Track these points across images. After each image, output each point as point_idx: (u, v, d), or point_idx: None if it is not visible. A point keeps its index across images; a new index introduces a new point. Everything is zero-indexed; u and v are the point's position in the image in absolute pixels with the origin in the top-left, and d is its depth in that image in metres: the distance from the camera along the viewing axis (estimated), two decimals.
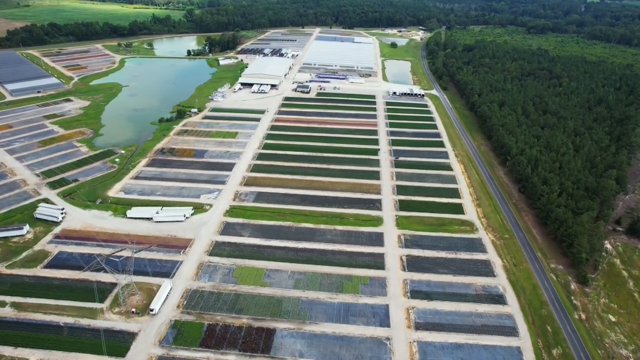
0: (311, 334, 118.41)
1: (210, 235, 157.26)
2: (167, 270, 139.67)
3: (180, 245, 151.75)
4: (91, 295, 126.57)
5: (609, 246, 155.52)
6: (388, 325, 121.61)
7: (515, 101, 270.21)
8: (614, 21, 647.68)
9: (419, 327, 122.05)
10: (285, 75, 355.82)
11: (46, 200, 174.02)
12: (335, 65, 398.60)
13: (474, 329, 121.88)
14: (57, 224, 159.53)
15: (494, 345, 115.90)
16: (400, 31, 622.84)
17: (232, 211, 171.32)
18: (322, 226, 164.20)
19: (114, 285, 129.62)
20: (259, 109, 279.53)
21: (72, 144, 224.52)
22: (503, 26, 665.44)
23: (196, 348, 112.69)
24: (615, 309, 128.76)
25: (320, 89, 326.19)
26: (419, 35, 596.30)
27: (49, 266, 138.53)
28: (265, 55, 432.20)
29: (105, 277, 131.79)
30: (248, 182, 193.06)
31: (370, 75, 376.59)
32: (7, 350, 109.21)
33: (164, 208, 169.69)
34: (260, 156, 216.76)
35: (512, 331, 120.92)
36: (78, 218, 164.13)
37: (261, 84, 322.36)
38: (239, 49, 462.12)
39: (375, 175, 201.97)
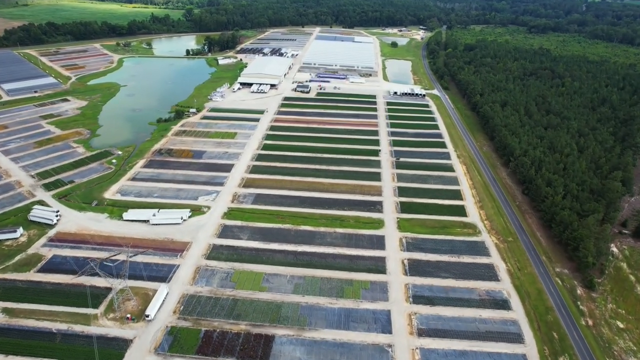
0: (311, 341, 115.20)
1: (208, 238, 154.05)
2: (163, 274, 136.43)
3: (177, 248, 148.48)
4: (85, 301, 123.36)
5: (615, 250, 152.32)
6: (390, 332, 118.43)
7: (518, 101, 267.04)
8: (616, 20, 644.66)
9: (421, 333, 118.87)
10: (285, 75, 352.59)
11: (41, 203, 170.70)
12: (336, 65, 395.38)
13: (478, 335, 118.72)
14: (51, 226, 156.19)
15: (499, 353, 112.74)
16: (400, 30, 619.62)
17: (230, 213, 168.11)
18: (322, 229, 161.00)
19: (108, 290, 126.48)
20: (258, 109, 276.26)
21: (68, 145, 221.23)
22: (504, 26, 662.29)
23: (192, 356, 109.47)
24: (623, 315, 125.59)
25: (320, 88, 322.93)
26: (419, 34, 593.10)
27: (42, 270, 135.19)
28: (264, 54, 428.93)
29: (100, 282, 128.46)
30: (247, 183, 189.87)
31: (370, 75, 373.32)
32: None
33: (161, 210, 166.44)
34: (259, 157, 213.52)
35: (517, 338, 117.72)
36: (73, 221, 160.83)
37: (260, 84, 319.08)
38: (238, 48, 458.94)
39: (376, 177, 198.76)
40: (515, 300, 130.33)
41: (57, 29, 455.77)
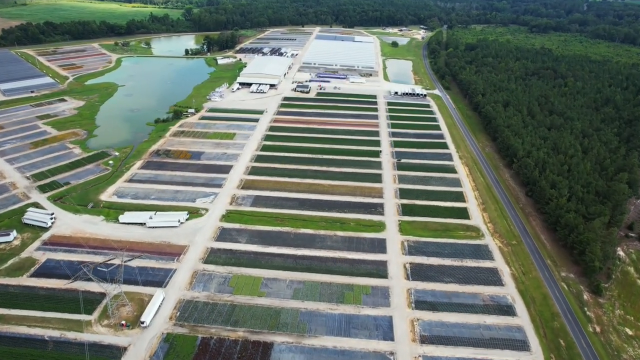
0: (310, 348, 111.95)
1: (206, 241, 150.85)
2: (159, 279, 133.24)
3: (174, 252, 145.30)
4: (79, 307, 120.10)
5: (622, 253, 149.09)
6: (392, 339, 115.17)
7: (520, 101, 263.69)
8: (617, 20, 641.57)
9: (424, 340, 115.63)
10: (285, 74, 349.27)
11: (36, 205, 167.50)
12: (336, 65, 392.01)
13: (482, 342, 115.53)
14: (46, 229, 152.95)
15: None
16: (401, 30, 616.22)
17: (228, 216, 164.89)
18: (322, 232, 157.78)
19: (103, 295, 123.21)
20: (257, 109, 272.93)
21: (64, 146, 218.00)
22: (505, 25, 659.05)
23: None
24: (632, 322, 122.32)
25: (320, 88, 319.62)
26: (420, 34, 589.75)
27: (35, 275, 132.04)
28: (264, 54, 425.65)
29: (94, 287, 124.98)
30: (245, 185, 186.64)
31: (371, 74, 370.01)
32: None
33: (157, 213, 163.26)
34: (259, 158, 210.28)
35: (523, 345, 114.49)
36: (68, 223, 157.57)
37: (260, 84, 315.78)
38: (237, 48, 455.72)
39: (377, 178, 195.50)
40: (520, 306, 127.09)
41: (55, 29, 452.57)
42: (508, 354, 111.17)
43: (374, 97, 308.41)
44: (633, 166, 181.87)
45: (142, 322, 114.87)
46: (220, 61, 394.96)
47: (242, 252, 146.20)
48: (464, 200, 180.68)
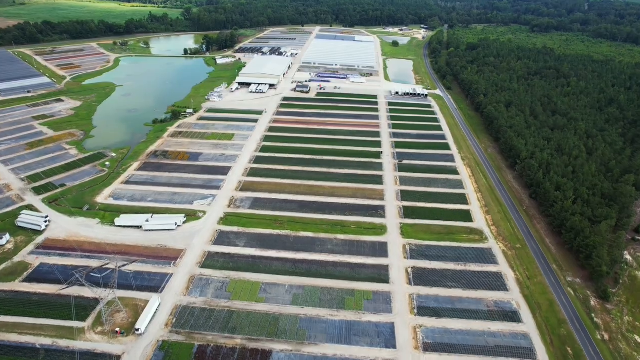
0: (310, 356, 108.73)
1: (203, 245, 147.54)
2: (155, 284, 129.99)
3: (171, 256, 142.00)
4: (72, 313, 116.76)
5: (629, 257, 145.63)
6: (394, 347, 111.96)
7: (523, 101, 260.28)
8: (619, 19, 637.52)
9: (427, 348, 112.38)
10: (284, 74, 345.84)
11: (30, 207, 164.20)
12: (336, 64, 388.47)
13: (487, 350, 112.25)
14: (40, 233, 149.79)
15: None
16: (401, 30, 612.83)
17: (226, 219, 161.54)
18: (322, 235, 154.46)
19: (97, 301, 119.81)
20: (256, 109, 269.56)
21: (61, 147, 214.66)
22: (506, 25, 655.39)
23: None
24: None
25: (321, 88, 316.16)
26: (420, 33, 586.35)
27: (28, 280, 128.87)
28: (263, 54, 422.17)
29: (89, 292, 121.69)
30: (244, 187, 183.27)
31: (371, 74, 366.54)
32: None
33: (154, 216, 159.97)
34: (258, 159, 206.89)
35: (529, 353, 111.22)
36: (63, 226, 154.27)
37: (259, 84, 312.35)
38: (237, 47, 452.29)
39: (378, 180, 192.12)
40: (525, 312, 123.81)
41: (54, 28, 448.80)
42: None
43: (375, 97, 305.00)
44: (639, 168, 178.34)
45: (137, 330, 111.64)
46: (219, 61, 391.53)
47: (240, 256, 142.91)
48: (466, 203, 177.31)
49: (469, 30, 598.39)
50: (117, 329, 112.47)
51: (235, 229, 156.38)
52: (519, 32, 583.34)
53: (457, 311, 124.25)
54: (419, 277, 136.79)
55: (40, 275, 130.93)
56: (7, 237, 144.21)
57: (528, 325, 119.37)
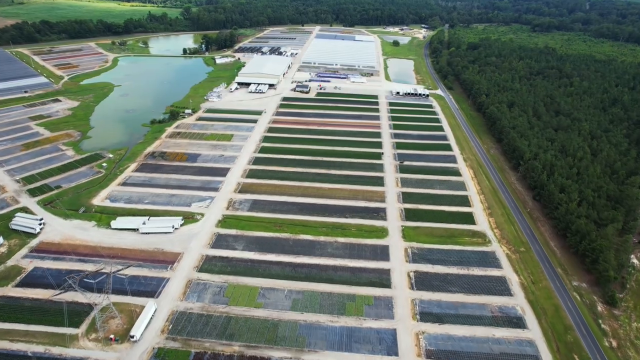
0: None
1: (201, 248, 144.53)
2: (152, 288, 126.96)
3: (168, 260, 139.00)
4: (65, 320, 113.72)
5: (636, 261, 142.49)
6: (396, 354, 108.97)
7: (525, 102, 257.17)
8: (621, 19, 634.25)
9: (430, 355, 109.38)
10: (284, 74, 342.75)
11: (25, 210, 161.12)
12: (336, 64, 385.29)
13: (491, 357, 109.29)
14: (34, 236, 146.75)
15: None
16: (402, 29, 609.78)
17: (225, 221, 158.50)
18: (322, 238, 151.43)
19: (92, 307, 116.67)
20: (256, 109, 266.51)
21: (57, 147, 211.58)
22: (507, 24, 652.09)
23: None
24: None
25: (321, 88, 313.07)
26: (421, 33, 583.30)
27: (21, 284, 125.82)
28: (263, 53, 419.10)
29: (83, 298, 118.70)
30: (243, 188, 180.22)
31: (372, 74, 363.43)
32: None
33: (151, 218, 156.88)
34: (257, 160, 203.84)
35: None
36: (58, 229, 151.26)
37: (259, 84, 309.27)
38: (236, 47, 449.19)
39: (379, 182, 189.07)
40: (530, 318, 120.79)
41: (52, 28, 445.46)
42: None
43: (375, 97, 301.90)
44: None
45: (132, 336, 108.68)
46: (219, 60, 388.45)
47: (238, 259, 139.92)
48: (469, 205, 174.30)
49: (470, 29, 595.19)
50: (112, 336, 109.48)
51: (233, 231, 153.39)
52: (520, 31, 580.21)
53: (460, 317, 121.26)
54: (421, 281, 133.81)
55: (34, 279, 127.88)
56: (0, 240, 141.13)
57: (533, 331, 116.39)
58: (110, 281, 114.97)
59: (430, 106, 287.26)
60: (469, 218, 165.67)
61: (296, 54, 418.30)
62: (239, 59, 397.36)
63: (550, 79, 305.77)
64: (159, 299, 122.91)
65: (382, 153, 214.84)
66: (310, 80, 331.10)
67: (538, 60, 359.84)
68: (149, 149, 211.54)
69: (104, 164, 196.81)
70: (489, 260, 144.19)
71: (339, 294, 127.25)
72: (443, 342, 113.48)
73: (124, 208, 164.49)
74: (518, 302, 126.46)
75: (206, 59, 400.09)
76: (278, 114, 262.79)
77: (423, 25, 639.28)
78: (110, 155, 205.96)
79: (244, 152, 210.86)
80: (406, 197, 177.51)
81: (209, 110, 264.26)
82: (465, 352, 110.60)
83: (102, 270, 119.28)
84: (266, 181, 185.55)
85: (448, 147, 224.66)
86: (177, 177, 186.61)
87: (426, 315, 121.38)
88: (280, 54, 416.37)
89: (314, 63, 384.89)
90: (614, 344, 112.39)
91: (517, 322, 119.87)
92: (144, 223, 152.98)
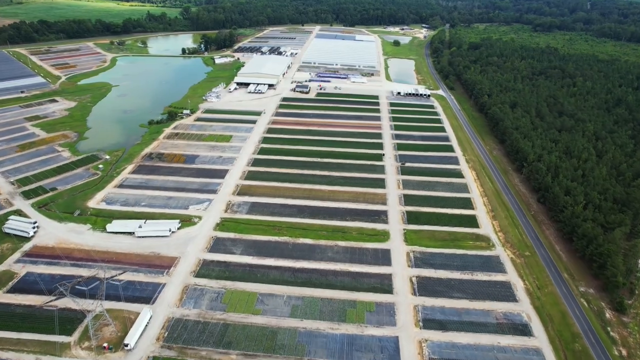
0: None
1: (198, 252, 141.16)
2: (147, 294, 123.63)
3: (164, 264, 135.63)
4: (59, 327, 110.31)
5: None
6: None
7: (528, 102, 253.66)
8: (622, 19, 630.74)
9: None
10: (284, 74, 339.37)
11: (18, 212, 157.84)
12: (336, 64, 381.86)
13: None
14: (27, 239, 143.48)
15: None
16: (402, 29, 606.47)
17: (223, 224, 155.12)
18: (322, 242, 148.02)
19: (85, 313, 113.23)
20: (255, 110, 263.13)
21: (53, 149, 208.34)
22: (508, 24, 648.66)
23: None
24: None
25: (321, 88, 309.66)
26: (422, 33, 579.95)
27: (13, 290, 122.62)
28: (262, 53, 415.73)
29: (75, 304, 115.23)
30: (242, 191, 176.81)
31: (372, 74, 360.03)
32: None
33: (147, 221, 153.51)
34: (256, 162, 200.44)
35: None
36: (52, 233, 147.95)
37: (258, 84, 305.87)
38: (235, 47, 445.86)
39: (380, 184, 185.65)
40: (536, 325, 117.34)
41: (50, 27, 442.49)
42: None
43: (376, 97, 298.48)
44: None
45: (126, 345, 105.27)
46: (218, 60, 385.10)
47: (236, 264, 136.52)
48: (472, 207, 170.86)
49: (471, 29, 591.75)
50: (105, 344, 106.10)
51: (231, 235, 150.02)
52: (521, 31, 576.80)
53: (464, 324, 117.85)
54: (423, 286, 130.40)
55: (26, 285, 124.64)
56: None
57: (540, 339, 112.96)
58: (104, 288, 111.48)
59: (432, 107, 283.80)
60: (472, 221, 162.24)
61: (296, 53, 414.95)
62: (238, 59, 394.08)
63: (552, 79, 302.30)
64: (155, 305, 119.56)
65: (383, 154, 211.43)
66: (310, 81, 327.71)
67: (540, 60, 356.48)
68: (147, 150, 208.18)
69: (101, 166, 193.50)
70: (493, 264, 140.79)
71: (340, 300, 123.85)
72: (447, 350, 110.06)
73: (120, 211, 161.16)
74: (523, 308, 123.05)
75: (205, 59, 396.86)
76: (277, 114, 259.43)
77: (424, 25, 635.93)
78: (107, 157, 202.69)
79: (243, 154, 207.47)
80: (408, 200, 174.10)
81: (207, 111, 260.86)
82: None
83: (96, 276, 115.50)
84: (265, 183, 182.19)
85: (450, 149, 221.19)
86: (174, 179, 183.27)
87: (429, 322, 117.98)
88: (280, 53, 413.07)
89: (314, 63, 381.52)
90: (624, 352, 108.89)
91: (522, 329, 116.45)
92: (140, 226, 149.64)
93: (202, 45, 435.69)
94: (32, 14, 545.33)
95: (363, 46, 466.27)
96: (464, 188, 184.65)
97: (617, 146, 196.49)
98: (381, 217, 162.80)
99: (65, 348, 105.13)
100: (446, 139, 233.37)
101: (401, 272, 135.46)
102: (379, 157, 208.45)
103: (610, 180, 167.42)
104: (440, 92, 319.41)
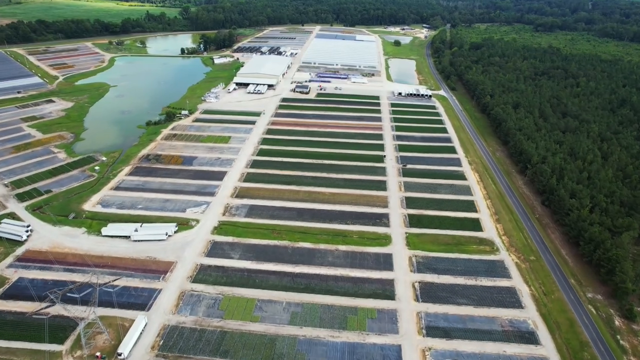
0: None
1: (195, 257, 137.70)
2: (143, 300, 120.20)
3: (160, 269, 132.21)
4: (51, 335, 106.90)
5: None
6: None
7: (531, 103, 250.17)
8: (624, 18, 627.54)
9: None
10: (284, 74, 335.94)
11: (12, 215, 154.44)
12: (337, 64, 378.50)
13: None
14: (20, 243, 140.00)
15: None
16: (403, 29, 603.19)
17: (221, 228, 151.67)
18: (323, 246, 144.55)
19: (79, 321, 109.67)
20: (254, 111, 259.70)
21: (49, 150, 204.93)
22: (509, 24, 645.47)
23: None
24: None
25: (321, 89, 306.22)
26: (423, 33, 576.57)
27: (4, 296, 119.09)
28: (262, 53, 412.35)
29: (69, 310, 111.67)
30: (240, 193, 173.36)
31: (373, 74, 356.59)
32: None
33: (144, 225, 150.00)
34: (255, 164, 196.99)
35: None
36: (46, 236, 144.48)
37: (257, 84, 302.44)
38: (235, 47, 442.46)
39: (382, 186, 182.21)
40: (543, 333, 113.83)
41: (48, 27, 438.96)
42: None
43: (377, 97, 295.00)
44: None
45: (120, 354, 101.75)
46: (217, 61, 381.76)
47: (234, 269, 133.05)
48: (475, 210, 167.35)
49: (472, 29, 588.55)
50: (98, 354, 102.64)
51: (229, 239, 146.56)
52: (522, 31, 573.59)
53: (468, 331, 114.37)
54: (426, 292, 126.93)
55: (18, 291, 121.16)
56: None
57: (547, 348, 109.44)
58: (97, 295, 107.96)
59: (433, 107, 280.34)
60: (475, 224, 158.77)
61: (296, 54, 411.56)
62: (237, 59, 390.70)
63: (555, 79, 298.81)
64: (150, 312, 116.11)
65: (385, 156, 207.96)
66: (310, 81, 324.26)
67: (542, 60, 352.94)
68: (144, 152, 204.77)
69: (97, 167, 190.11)
70: (498, 269, 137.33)
71: (341, 307, 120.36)
72: (451, 359, 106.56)
73: (116, 214, 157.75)
74: (529, 315, 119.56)
75: (204, 59, 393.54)
76: (277, 115, 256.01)
77: (424, 25, 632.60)
78: (104, 158, 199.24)
79: (242, 155, 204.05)
80: (410, 202, 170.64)
81: (206, 112, 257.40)
82: None
83: (89, 282, 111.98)
84: (264, 185, 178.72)
85: (452, 150, 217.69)
86: (172, 181, 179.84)
87: (433, 329, 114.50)
88: (279, 54, 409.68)
89: (314, 63, 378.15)
90: None
91: (529, 337, 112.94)
92: (136, 230, 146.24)
93: (201, 45, 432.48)
94: (31, 13, 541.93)
95: (363, 46, 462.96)
96: (467, 190, 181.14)
97: (623, 148, 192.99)
98: (382, 220, 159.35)
99: (56, 357, 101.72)
100: (448, 140, 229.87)
101: (403, 277, 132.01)
102: (380, 159, 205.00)
103: (617, 183, 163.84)
104: (441, 92, 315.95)
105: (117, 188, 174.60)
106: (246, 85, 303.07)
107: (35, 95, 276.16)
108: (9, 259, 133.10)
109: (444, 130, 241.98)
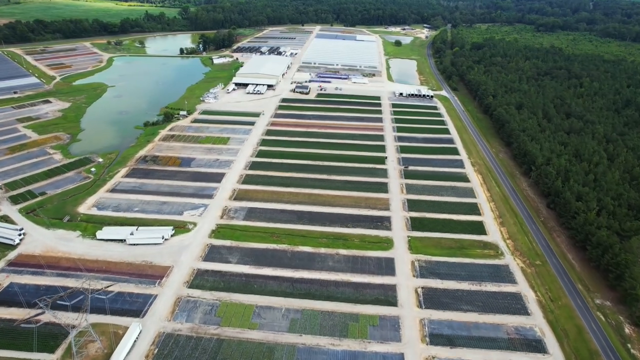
0: None
1: (192, 261, 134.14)
2: (137, 307, 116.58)
3: (156, 274, 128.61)
4: (45, 342, 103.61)
5: None
6: None
7: (535, 103, 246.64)
8: (626, 18, 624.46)
9: None
10: (283, 74, 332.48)
11: (5, 218, 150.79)
12: (337, 64, 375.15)
13: None
14: (13, 247, 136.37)
15: None
16: (404, 29, 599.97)
17: (218, 231, 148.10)
18: (323, 250, 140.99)
19: (71, 328, 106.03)
20: (253, 111, 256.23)
21: (44, 151, 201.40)
22: (510, 24, 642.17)
23: None
24: None
25: (321, 89, 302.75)
26: (423, 33, 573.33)
27: None
28: (262, 53, 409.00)
29: (60, 318, 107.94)
30: (239, 195, 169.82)
31: (374, 74, 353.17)
32: None
33: (140, 228, 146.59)
34: (254, 165, 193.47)
35: None
36: (39, 240, 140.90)
37: (257, 84, 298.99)
38: (234, 47, 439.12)
39: (383, 188, 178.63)
40: (551, 341, 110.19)
41: (46, 27, 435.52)
42: None
43: (378, 98, 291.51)
44: None
45: None
46: (216, 61, 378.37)
47: (232, 274, 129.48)
48: (479, 213, 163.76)
49: (473, 29, 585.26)
50: None
51: (227, 243, 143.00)
52: (524, 31, 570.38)
53: (473, 339, 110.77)
54: (429, 298, 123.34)
55: (9, 296, 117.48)
56: None
57: (555, 356, 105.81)
58: (89, 302, 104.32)
59: (435, 108, 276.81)
60: (479, 228, 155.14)
61: (296, 54, 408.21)
62: (237, 59, 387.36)
63: (558, 80, 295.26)
64: (145, 319, 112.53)
65: (386, 157, 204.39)
66: (310, 81, 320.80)
67: (545, 60, 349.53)
68: (141, 153, 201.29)
69: (93, 169, 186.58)
70: (503, 274, 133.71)
71: (341, 314, 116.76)
72: None
73: (112, 217, 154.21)
74: (536, 322, 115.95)
75: (203, 59, 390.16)
76: (277, 115, 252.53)
77: (425, 25, 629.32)
78: (100, 160, 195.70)
79: (241, 156, 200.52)
80: (412, 205, 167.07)
81: (204, 112, 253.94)
82: None
83: (81, 289, 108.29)
84: (263, 187, 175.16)
85: (455, 151, 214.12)
86: (169, 183, 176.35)
87: (436, 337, 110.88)
88: (279, 54, 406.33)
89: (314, 63, 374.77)
90: None
91: (536, 345, 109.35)
92: (131, 233, 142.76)
93: (201, 45, 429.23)
94: (29, 13, 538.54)
95: (364, 46, 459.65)
96: (470, 193, 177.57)
97: (629, 149, 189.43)
98: (384, 223, 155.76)
99: None
100: (450, 141, 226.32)
101: (406, 282, 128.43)
102: (382, 160, 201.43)
103: (624, 185, 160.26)
104: (443, 92, 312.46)
105: (113, 190, 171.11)
106: (245, 85, 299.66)
107: (31, 96, 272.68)
108: (1, 264, 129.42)
109: (446, 131, 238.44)
